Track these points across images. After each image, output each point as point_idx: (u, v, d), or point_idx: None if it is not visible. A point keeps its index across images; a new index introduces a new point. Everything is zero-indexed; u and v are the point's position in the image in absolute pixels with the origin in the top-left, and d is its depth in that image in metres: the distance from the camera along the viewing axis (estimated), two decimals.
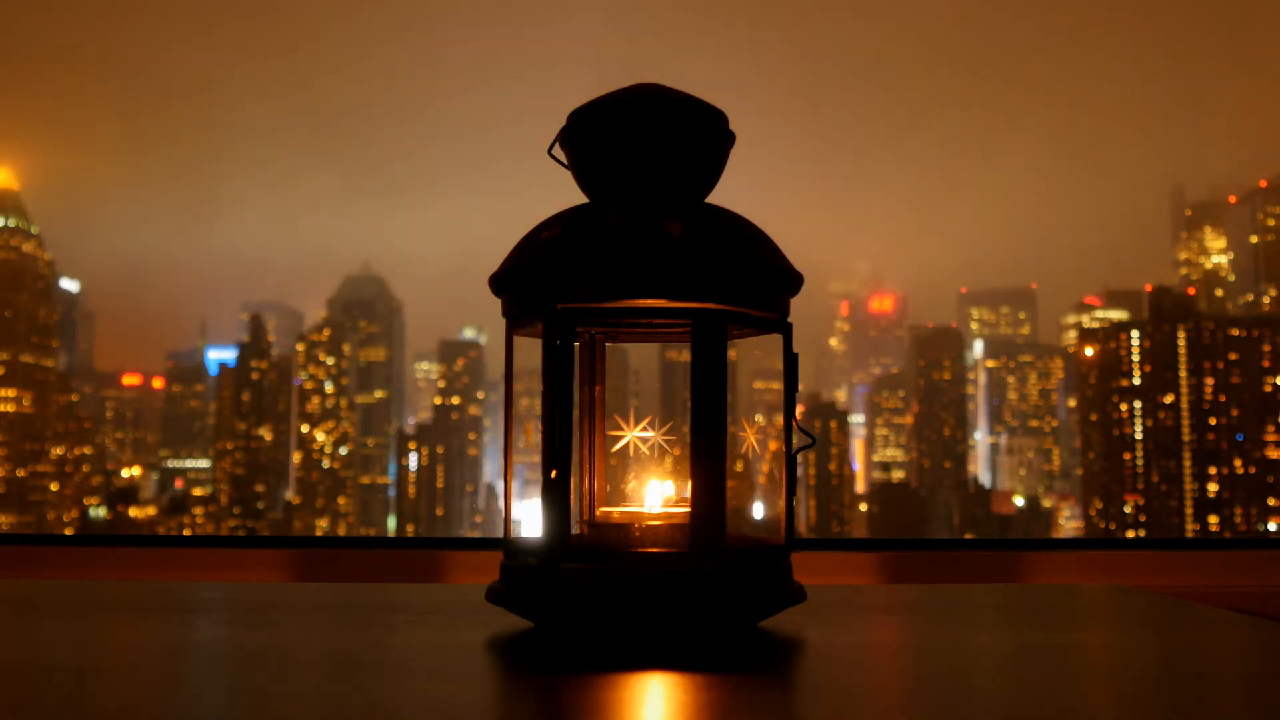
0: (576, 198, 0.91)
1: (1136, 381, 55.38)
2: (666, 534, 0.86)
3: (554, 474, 0.82)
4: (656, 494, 0.91)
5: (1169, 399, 54.96)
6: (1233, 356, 54.41)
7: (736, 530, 0.88)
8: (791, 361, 0.88)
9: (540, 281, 0.84)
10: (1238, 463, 54.38)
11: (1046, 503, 66.94)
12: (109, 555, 1.67)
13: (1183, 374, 54.80)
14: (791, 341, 0.89)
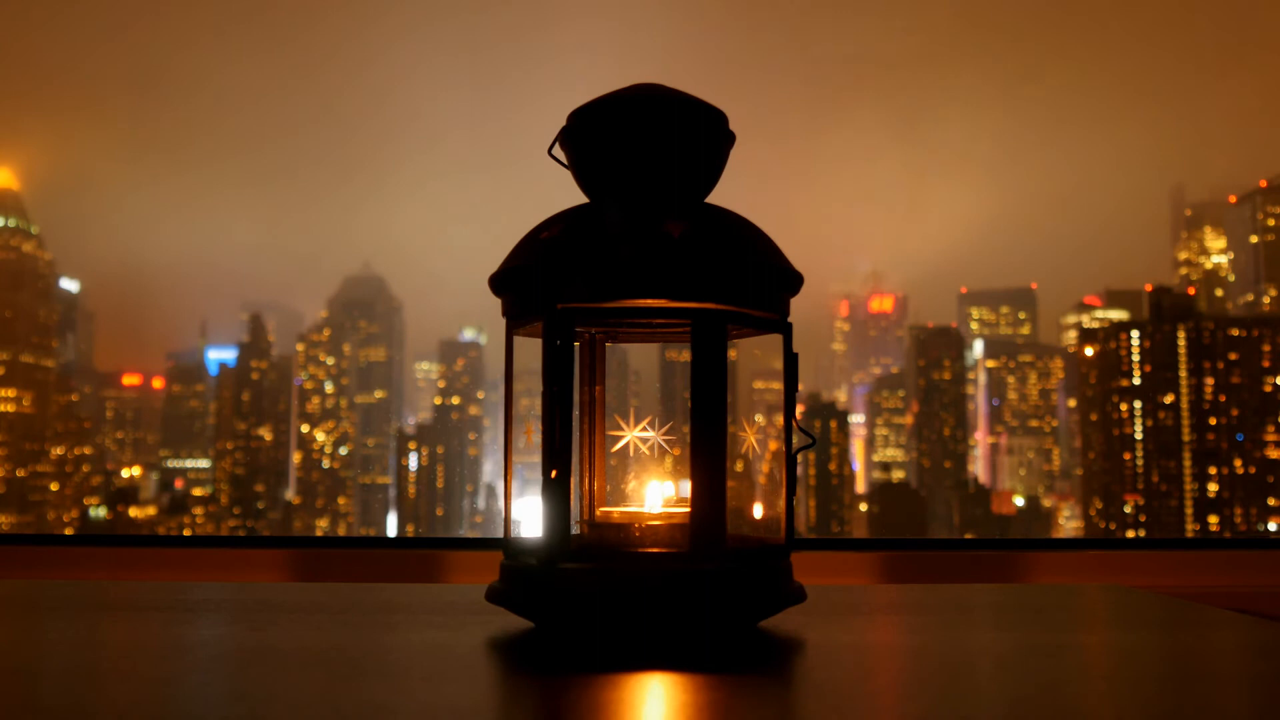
0: (576, 198, 0.91)
1: (1136, 381, 55.34)
2: (666, 534, 0.86)
3: (554, 474, 0.82)
4: (656, 494, 0.91)
5: (1169, 399, 54.91)
6: (1233, 356, 54.36)
7: (736, 530, 0.88)
8: (791, 361, 0.88)
9: (540, 281, 0.84)
10: (1238, 463, 54.34)
11: (1046, 503, 66.93)
12: (109, 555, 1.67)
13: (1183, 374, 54.74)
14: (791, 341, 0.89)
